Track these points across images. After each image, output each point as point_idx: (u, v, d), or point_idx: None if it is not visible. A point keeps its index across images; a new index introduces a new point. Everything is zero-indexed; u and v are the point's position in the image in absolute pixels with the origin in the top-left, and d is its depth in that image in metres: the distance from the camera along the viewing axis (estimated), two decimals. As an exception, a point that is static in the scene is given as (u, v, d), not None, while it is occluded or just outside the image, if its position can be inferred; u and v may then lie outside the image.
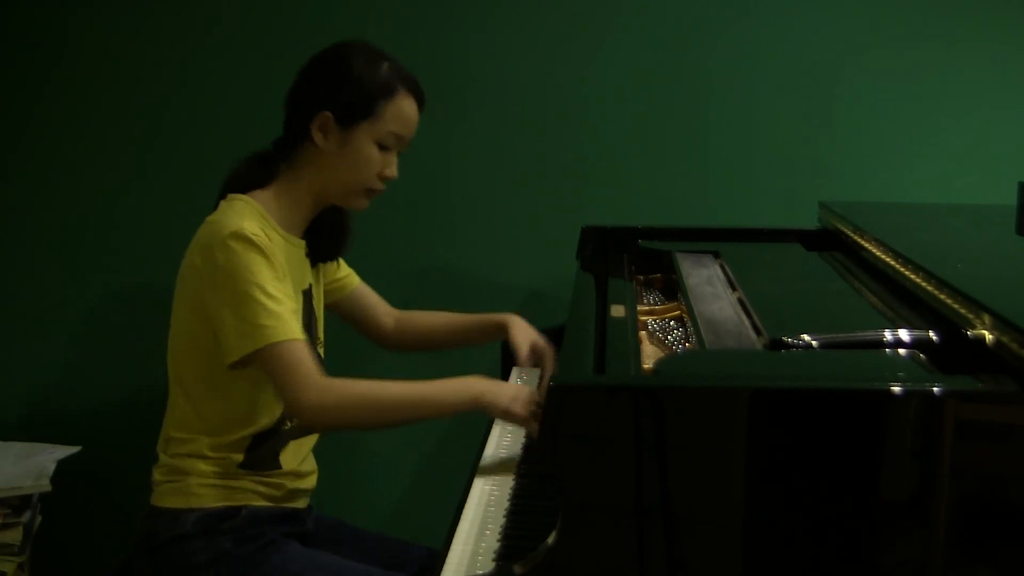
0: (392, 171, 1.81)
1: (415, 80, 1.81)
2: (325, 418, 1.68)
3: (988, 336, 1.32)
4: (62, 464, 2.40)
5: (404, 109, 1.79)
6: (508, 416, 1.67)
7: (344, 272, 2.04)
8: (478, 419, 2.01)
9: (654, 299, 1.99)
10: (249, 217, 1.71)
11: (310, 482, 1.88)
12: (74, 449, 2.45)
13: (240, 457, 1.75)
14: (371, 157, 1.77)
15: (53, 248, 2.67)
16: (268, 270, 1.66)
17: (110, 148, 2.63)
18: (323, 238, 1.88)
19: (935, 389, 1.22)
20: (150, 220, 2.62)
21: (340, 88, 1.75)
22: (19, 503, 2.31)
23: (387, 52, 1.82)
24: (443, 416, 1.73)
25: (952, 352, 1.37)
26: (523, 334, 2.00)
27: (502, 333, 2.03)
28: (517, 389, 1.70)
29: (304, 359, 1.64)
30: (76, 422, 2.66)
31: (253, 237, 1.66)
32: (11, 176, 2.66)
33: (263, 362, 1.65)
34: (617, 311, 1.78)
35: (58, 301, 2.68)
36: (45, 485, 2.33)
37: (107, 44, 2.61)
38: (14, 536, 2.28)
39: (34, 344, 2.70)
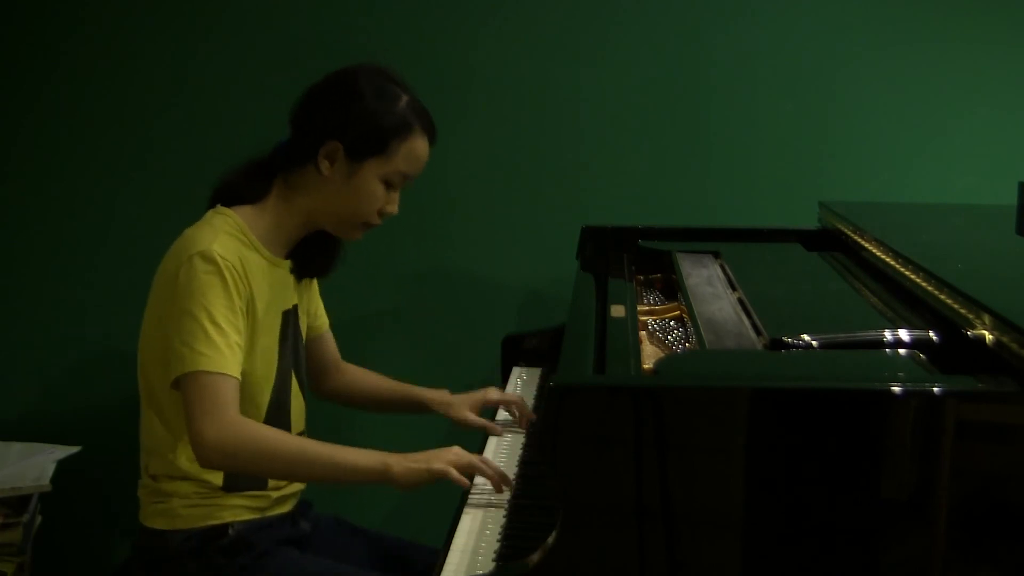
0: (393, 208, 1.74)
1: (430, 117, 1.74)
2: (222, 461, 1.60)
3: (988, 336, 1.32)
4: (62, 464, 2.40)
5: (417, 150, 1.72)
6: (431, 475, 1.58)
7: (320, 315, 1.97)
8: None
9: (654, 299, 1.99)
10: (225, 236, 1.66)
11: (295, 486, 1.83)
12: (74, 449, 2.45)
13: (219, 480, 1.70)
14: (375, 193, 1.71)
15: (52, 248, 2.67)
16: (223, 298, 1.61)
17: (109, 149, 2.64)
18: (313, 255, 1.81)
19: (935, 389, 1.22)
20: (149, 220, 2.62)
21: (355, 120, 1.68)
22: (19, 503, 2.31)
23: (404, 81, 1.75)
24: (350, 482, 1.63)
25: (952, 352, 1.37)
26: (460, 410, 1.92)
27: (438, 413, 1.96)
28: (436, 452, 1.60)
29: (222, 395, 1.56)
30: (76, 422, 2.66)
31: (219, 260, 1.61)
32: (11, 177, 2.66)
33: (183, 388, 1.59)
34: (617, 311, 1.78)
35: (58, 301, 2.68)
36: (45, 485, 2.33)
37: (104, 46, 2.61)
38: (14, 536, 2.28)
39: (34, 344, 2.70)
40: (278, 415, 1.76)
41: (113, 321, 2.67)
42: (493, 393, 1.97)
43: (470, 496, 1.64)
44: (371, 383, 2.03)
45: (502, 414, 2.01)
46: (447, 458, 1.59)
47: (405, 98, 1.72)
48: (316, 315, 1.95)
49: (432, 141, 1.76)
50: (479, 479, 1.64)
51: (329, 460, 1.61)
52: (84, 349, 2.70)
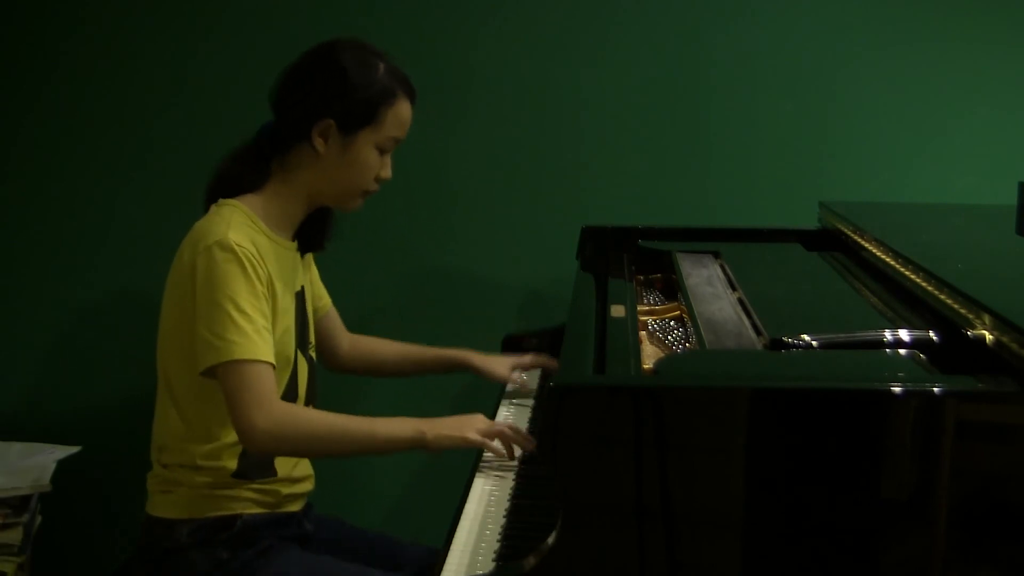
0: (387, 172, 1.81)
1: (408, 80, 1.79)
2: (272, 446, 1.67)
3: (988, 336, 1.32)
4: (62, 464, 2.40)
5: (402, 113, 1.78)
6: (465, 443, 1.67)
7: (323, 296, 2.03)
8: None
9: (654, 299, 1.99)
10: (237, 225, 1.69)
11: (305, 486, 1.87)
12: (74, 449, 2.45)
13: (233, 466, 1.73)
14: (370, 162, 1.77)
15: (52, 248, 2.67)
16: (245, 284, 1.65)
17: (109, 149, 2.63)
18: (309, 231, 1.86)
19: (935, 389, 1.22)
20: (149, 220, 2.62)
21: (341, 96, 1.73)
22: (19, 503, 2.31)
23: (378, 49, 1.80)
24: (389, 452, 1.72)
25: (952, 352, 1.37)
26: (496, 365, 2.07)
27: (465, 370, 2.09)
28: (465, 419, 1.70)
29: (261, 383, 1.62)
30: (76, 422, 2.66)
31: (237, 248, 1.65)
32: (10, 177, 2.66)
33: (221, 377, 1.63)
34: (617, 311, 1.78)
35: (58, 301, 2.68)
36: (45, 485, 2.33)
37: (104, 46, 2.61)
38: (14, 536, 2.28)
39: (34, 344, 2.70)
40: (291, 390, 1.80)
41: (113, 321, 2.68)
42: (526, 358, 2.12)
43: (482, 463, 1.69)
44: (391, 347, 2.13)
45: (502, 413, 2.01)
46: (478, 427, 1.68)
47: (383, 65, 1.77)
48: (319, 296, 2.02)
49: (413, 101, 1.81)
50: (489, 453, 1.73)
51: (368, 434, 1.67)
52: (84, 349, 2.70)
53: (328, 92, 1.73)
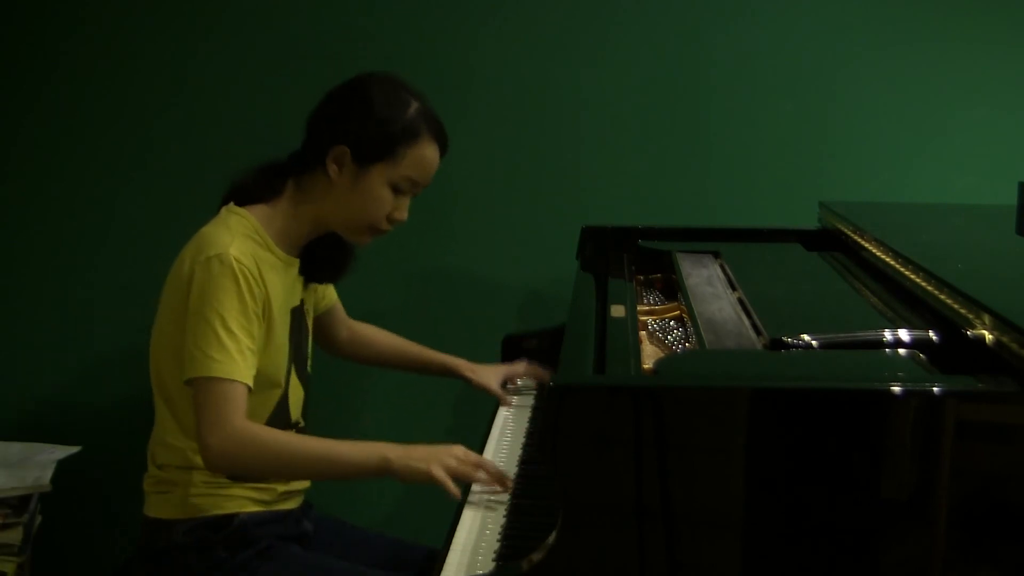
0: (402, 215, 1.78)
1: (441, 125, 1.76)
2: (226, 465, 1.64)
3: (988, 336, 1.32)
4: (62, 464, 2.40)
5: (425, 156, 1.75)
6: (430, 480, 1.59)
7: (329, 292, 2.02)
8: (478, 418, 2.02)
9: (654, 299, 1.99)
10: (241, 237, 1.68)
11: (301, 484, 1.85)
12: (74, 449, 2.45)
13: None
14: (382, 198, 1.74)
15: (52, 248, 2.67)
16: (237, 303, 1.63)
17: (109, 150, 2.63)
18: (323, 261, 1.84)
19: (935, 389, 1.22)
20: (149, 220, 2.62)
21: (361, 125, 1.71)
22: (19, 503, 2.31)
23: (417, 90, 1.77)
24: (352, 477, 1.70)
25: (952, 352, 1.37)
26: (485, 377, 2.06)
27: (456, 378, 2.10)
28: (438, 451, 1.61)
29: (230, 403, 1.60)
30: (76, 422, 2.66)
31: (235, 265, 1.63)
32: (11, 177, 2.66)
33: (194, 391, 1.62)
34: (617, 311, 1.78)
35: (58, 301, 2.68)
36: (45, 485, 2.33)
37: (104, 46, 2.61)
38: (14, 536, 2.28)
39: (34, 344, 2.70)
40: (280, 409, 1.79)
41: (113, 321, 2.68)
42: (519, 368, 2.12)
43: (471, 495, 1.64)
44: (388, 342, 2.15)
45: (502, 415, 2.01)
46: (448, 464, 1.59)
47: (415, 105, 1.74)
48: (324, 295, 2.00)
49: (443, 149, 1.78)
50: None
51: (327, 458, 1.64)
52: (84, 349, 2.70)
53: (349, 120, 1.72)
